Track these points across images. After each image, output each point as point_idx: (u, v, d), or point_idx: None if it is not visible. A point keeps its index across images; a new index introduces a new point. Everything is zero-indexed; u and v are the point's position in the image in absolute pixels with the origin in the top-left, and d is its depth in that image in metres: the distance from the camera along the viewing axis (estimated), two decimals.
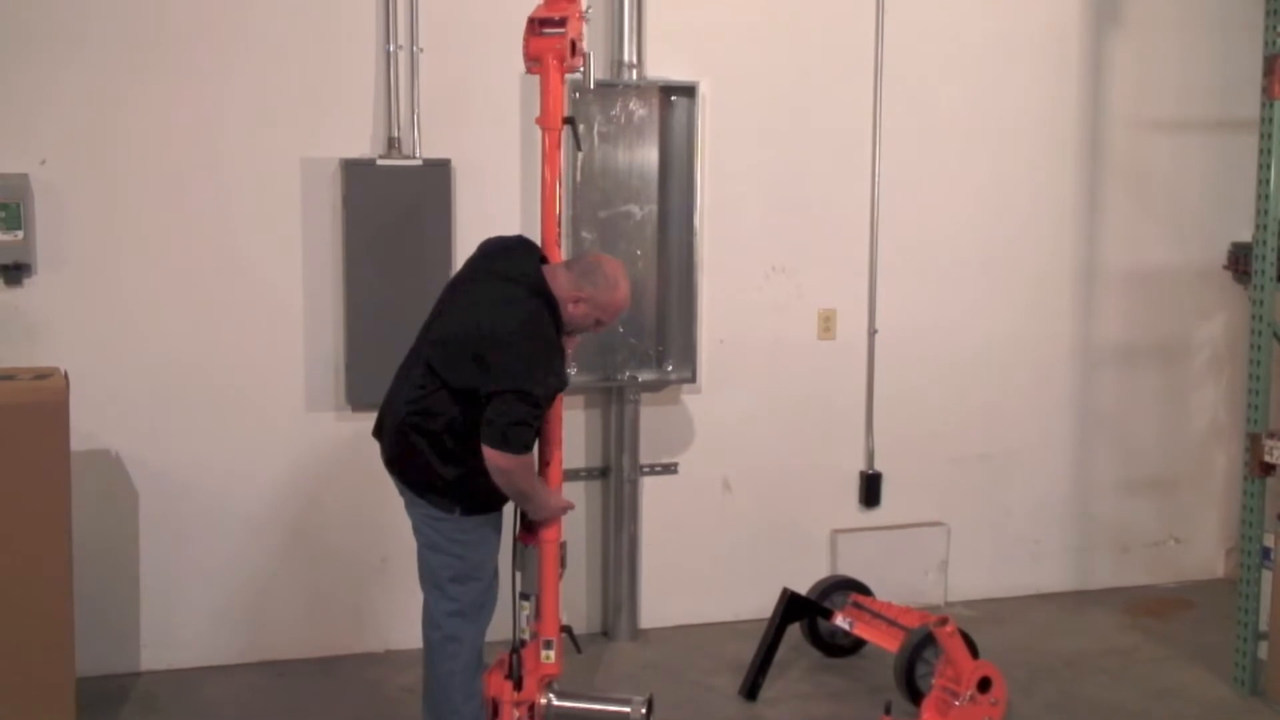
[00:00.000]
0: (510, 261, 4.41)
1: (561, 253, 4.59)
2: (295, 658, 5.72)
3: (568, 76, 4.55)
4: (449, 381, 4.24)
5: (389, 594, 5.71)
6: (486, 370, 4.15)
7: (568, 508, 4.55)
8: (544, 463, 4.53)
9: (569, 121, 4.57)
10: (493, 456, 4.17)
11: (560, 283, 4.33)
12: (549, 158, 4.49)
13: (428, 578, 4.43)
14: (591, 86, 4.90)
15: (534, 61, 4.47)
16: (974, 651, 5.16)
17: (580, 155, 5.72)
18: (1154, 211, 6.74)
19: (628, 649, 5.99)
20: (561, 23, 4.45)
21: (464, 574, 4.38)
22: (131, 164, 5.37)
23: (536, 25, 4.46)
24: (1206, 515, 7.03)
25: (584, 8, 4.61)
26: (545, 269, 4.36)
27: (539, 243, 4.54)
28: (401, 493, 4.44)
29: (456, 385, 4.22)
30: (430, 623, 4.44)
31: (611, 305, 4.42)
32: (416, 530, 4.44)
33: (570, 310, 4.34)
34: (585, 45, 4.62)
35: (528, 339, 4.20)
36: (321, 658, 5.73)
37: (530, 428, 4.21)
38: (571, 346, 4.61)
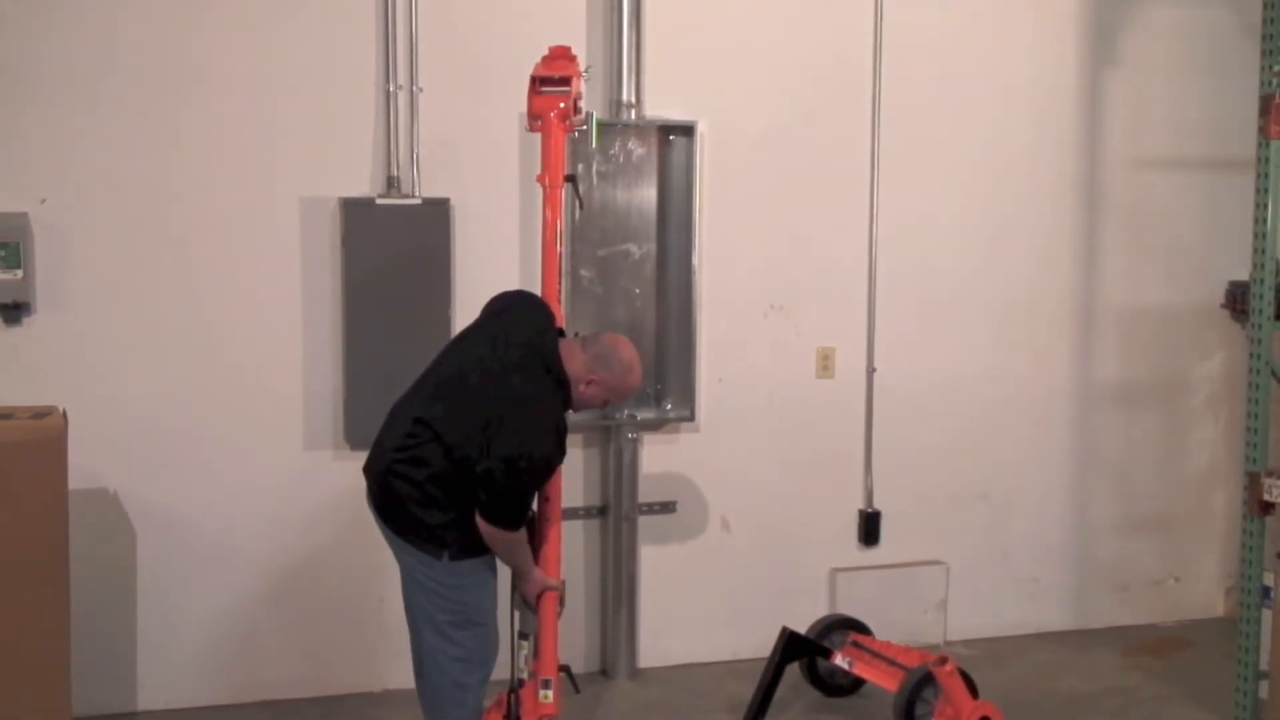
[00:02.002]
0: (530, 330, 4.38)
1: (563, 303, 4.61)
2: (292, 698, 5.68)
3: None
4: (444, 437, 4.22)
5: (386, 634, 5.69)
6: (487, 443, 4.15)
7: (552, 587, 4.52)
8: (543, 519, 4.54)
9: (570, 179, 4.60)
10: (487, 529, 4.21)
11: (575, 363, 4.32)
12: (550, 216, 4.51)
13: (427, 623, 4.38)
14: (594, 146, 4.93)
15: (535, 119, 4.50)
16: (974, 691, 5.15)
17: (584, 191, 5.73)
18: (1151, 250, 6.76)
19: (626, 688, 5.96)
20: (563, 81, 4.49)
21: (465, 619, 4.35)
22: (131, 203, 5.39)
23: (538, 84, 4.50)
24: (1206, 554, 7.02)
25: (584, 67, 4.65)
26: (563, 345, 4.36)
27: (540, 292, 4.58)
28: (387, 537, 4.40)
29: (452, 443, 4.20)
30: (436, 668, 4.39)
31: (623, 389, 4.45)
32: (406, 573, 4.40)
33: (582, 390, 4.35)
34: (584, 104, 4.66)
35: (535, 421, 4.21)
36: (318, 697, 5.70)
37: (527, 506, 4.25)
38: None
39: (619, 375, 4.38)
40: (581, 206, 5.50)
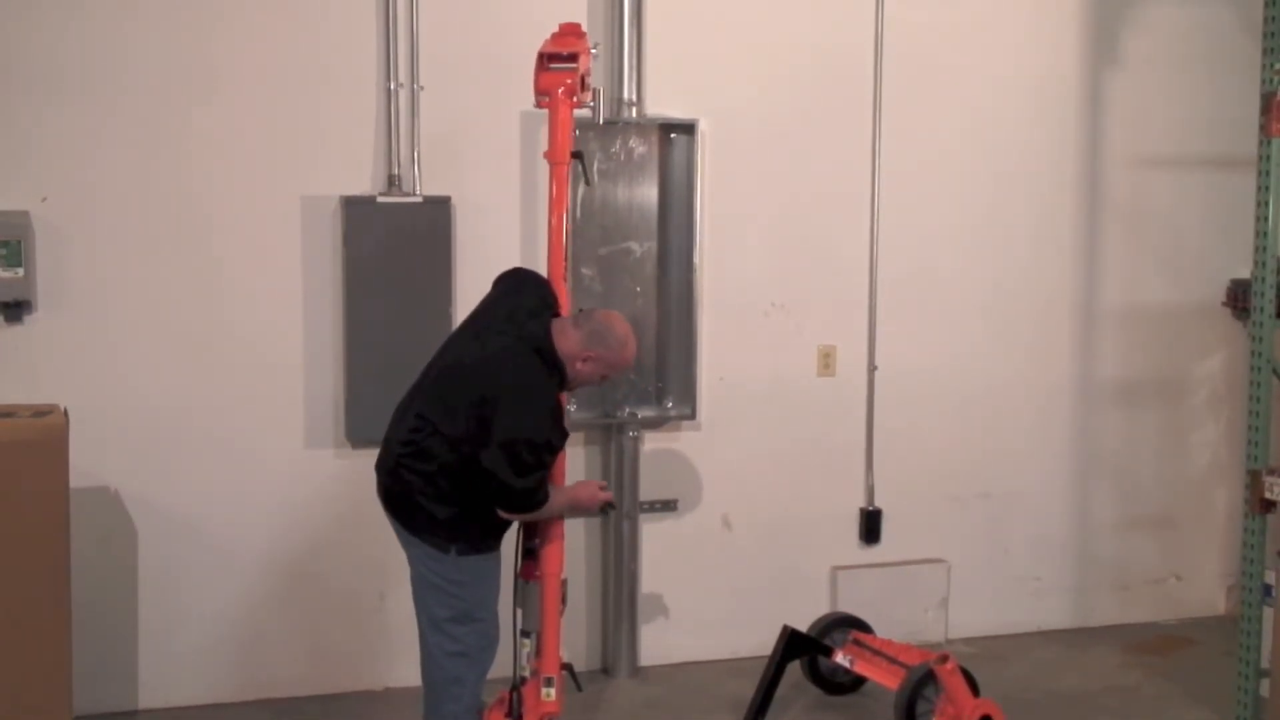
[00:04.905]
0: (523, 315, 4.39)
1: (568, 280, 4.61)
2: (294, 695, 5.69)
3: (573, 112, 4.57)
4: (445, 431, 4.25)
5: (387, 631, 5.70)
6: (487, 438, 4.17)
7: (592, 494, 4.59)
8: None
9: (577, 156, 4.58)
10: (512, 516, 4.31)
11: (570, 342, 4.33)
12: (557, 193, 4.51)
13: (427, 619, 4.41)
14: (601, 122, 4.95)
15: (543, 95, 4.50)
16: (975, 689, 5.15)
17: (585, 189, 5.73)
18: (1153, 249, 6.76)
19: (627, 686, 5.96)
20: (571, 58, 4.48)
21: (464, 614, 4.37)
22: (132, 201, 5.39)
23: (545, 60, 4.49)
24: (1207, 552, 7.02)
25: (592, 44, 4.65)
26: (555, 325, 4.36)
27: (545, 273, 4.58)
28: (397, 531, 4.43)
29: (453, 436, 4.24)
30: (433, 663, 4.42)
31: (620, 364, 4.47)
32: (414, 569, 4.42)
33: (579, 368, 4.36)
34: (592, 80, 4.65)
35: (527, 406, 4.23)
36: (320, 695, 5.71)
37: (539, 487, 4.27)
38: (569, 399, 4.64)
39: (615, 350, 4.39)
40: (588, 183, 5.47)
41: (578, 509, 4.56)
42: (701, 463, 6.17)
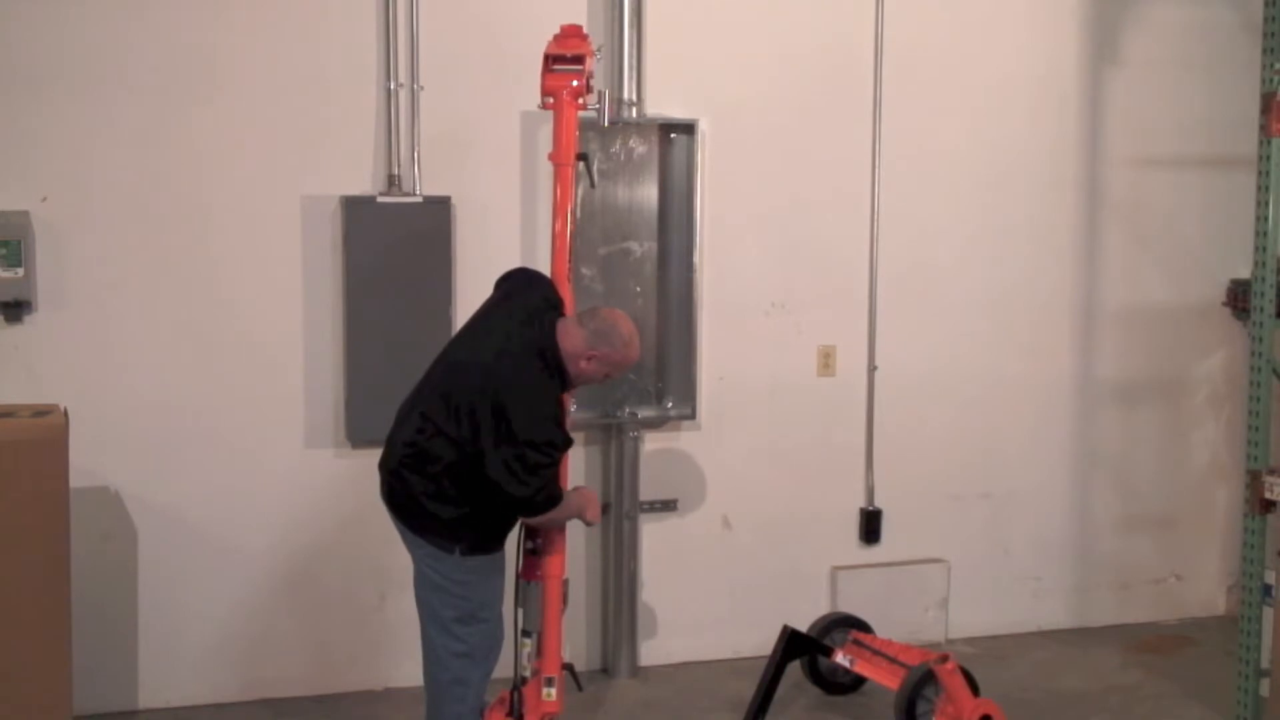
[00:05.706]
0: (526, 315, 4.39)
1: (571, 288, 4.62)
2: (294, 695, 5.69)
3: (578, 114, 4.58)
4: (449, 432, 4.25)
5: (388, 631, 5.70)
6: (491, 436, 4.17)
7: (593, 509, 4.63)
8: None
9: (582, 158, 4.59)
10: (531, 521, 4.36)
11: (574, 340, 4.33)
12: (561, 194, 4.51)
13: (431, 618, 4.40)
14: (606, 124, 4.94)
15: (548, 97, 4.51)
16: (975, 689, 5.15)
17: (586, 189, 5.72)
18: (1153, 249, 6.76)
19: (628, 686, 5.96)
20: (575, 59, 4.51)
21: (468, 614, 4.37)
22: (131, 201, 5.39)
23: (550, 62, 4.51)
24: (1207, 552, 7.01)
25: (595, 46, 4.65)
26: (560, 324, 4.36)
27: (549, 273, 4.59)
28: (401, 532, 4.43)
29: (457, 437, 4.24)
30: (437, 663, 4.42)
31: (624, 363, 4.47)
32: (418, 569, 4.43)
33: (582, 366, 4.36)
34: (596, 83, 4.67)
35: (530, 409, 4.23)
36: (320, 695, 5.70)
37: (552, 484, 4.30)
38: (570, 399, 4.65)
39: (620, 350, 4.39)
40: (593, 185, 5.48)
41: (581, 513, 4.55)
42: (701, 463, 6.17)
